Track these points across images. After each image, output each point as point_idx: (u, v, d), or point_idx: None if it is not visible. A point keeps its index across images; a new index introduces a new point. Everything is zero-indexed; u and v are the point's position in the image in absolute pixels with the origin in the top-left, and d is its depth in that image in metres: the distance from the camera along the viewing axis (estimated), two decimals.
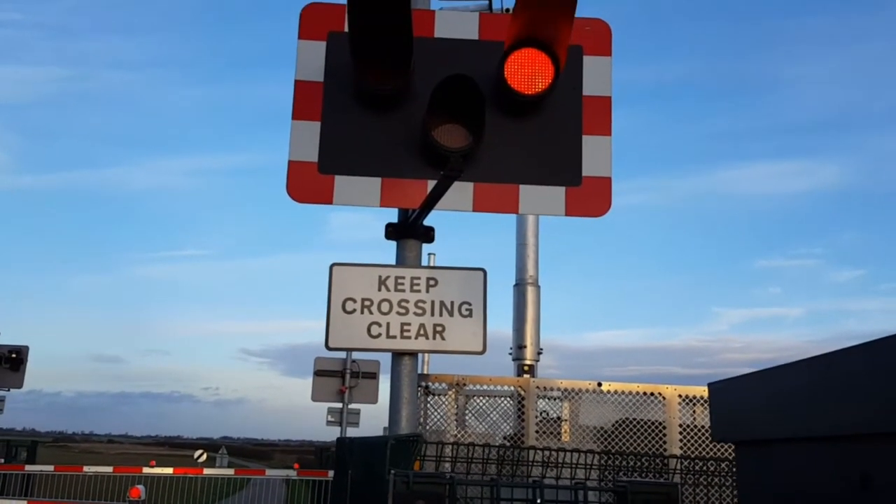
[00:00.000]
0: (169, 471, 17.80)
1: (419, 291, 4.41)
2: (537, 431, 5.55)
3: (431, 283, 4.43)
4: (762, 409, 1.62)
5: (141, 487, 7.86)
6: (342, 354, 16.63)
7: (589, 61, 4.49)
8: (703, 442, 5.60)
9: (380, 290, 4.40)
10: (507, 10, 9.29)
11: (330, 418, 17.10)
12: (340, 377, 16.62)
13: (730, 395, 1.76)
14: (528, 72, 4.14)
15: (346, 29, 4.38)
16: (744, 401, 1.70)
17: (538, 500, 1.45)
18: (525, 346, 7.81)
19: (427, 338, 4.34)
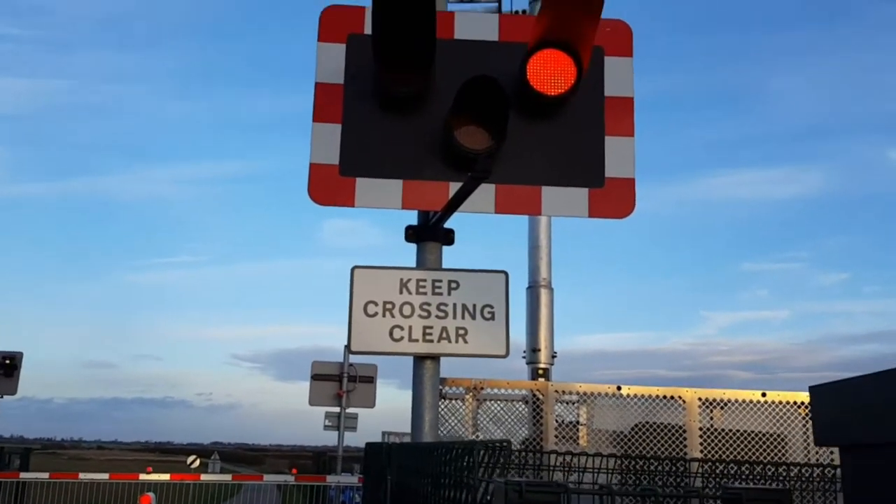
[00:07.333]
0: (166, 477, 17.63)
1: (441, 294, 4.36)
2: (556, 436, 5.51)
3: (453, 285, 4.39)
4: (870, 413, 1.59)
5: (152, 495, 7.76)
6: (339, 358, 16.52)
7: (610, 62, 4.46)
8: (723, 445, 5.57)
9: (401, 292, 4.34)
10: (516, 11, 9.27)
11: (328, 423, 16.97)
12: (338, 381, 16.50)
13: (834, 399, 1.72)
14: (550, 72, 4.11)
15: (367, 30, 4.35)
16: (849, 404, 1.67)
17: None
18: (539, 350, 7.77)
19: (450, 341, 4.29)
